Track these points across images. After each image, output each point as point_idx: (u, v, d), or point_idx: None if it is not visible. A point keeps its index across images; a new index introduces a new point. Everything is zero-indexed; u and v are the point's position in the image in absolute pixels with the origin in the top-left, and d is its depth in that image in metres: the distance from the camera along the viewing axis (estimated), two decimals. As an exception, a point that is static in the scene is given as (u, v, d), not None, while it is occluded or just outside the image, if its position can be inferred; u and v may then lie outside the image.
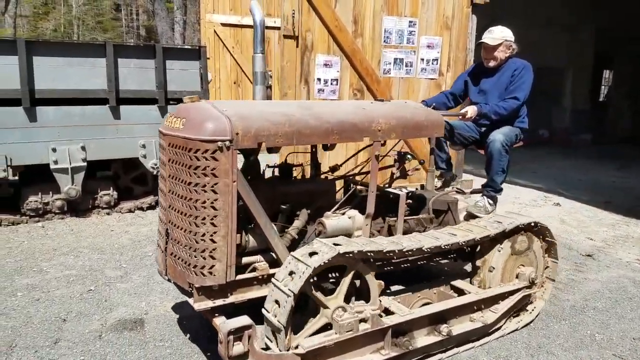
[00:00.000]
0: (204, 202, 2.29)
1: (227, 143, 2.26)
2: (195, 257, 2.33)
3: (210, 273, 2.34)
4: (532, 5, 10.81)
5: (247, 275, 2.53)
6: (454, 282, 3.06)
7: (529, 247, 3.10)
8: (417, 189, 3.71)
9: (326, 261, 2.24)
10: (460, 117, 3.66)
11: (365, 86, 5.63)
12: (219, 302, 2.43)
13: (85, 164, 5.06)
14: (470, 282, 3.06)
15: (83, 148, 5.06)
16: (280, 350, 2.20)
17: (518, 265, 3.07)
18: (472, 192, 3.94)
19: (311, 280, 2.28)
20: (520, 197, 6.69)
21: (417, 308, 2.76)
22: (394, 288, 3.24)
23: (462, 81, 3.97)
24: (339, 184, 3.34)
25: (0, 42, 4.86)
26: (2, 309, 3.17)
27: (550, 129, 12.60)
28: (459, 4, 5.87)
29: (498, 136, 3.52)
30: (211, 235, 2.31)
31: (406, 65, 5.78)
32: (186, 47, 5.85)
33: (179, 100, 4.84)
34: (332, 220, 2.79)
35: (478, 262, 3.02)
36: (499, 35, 3.65)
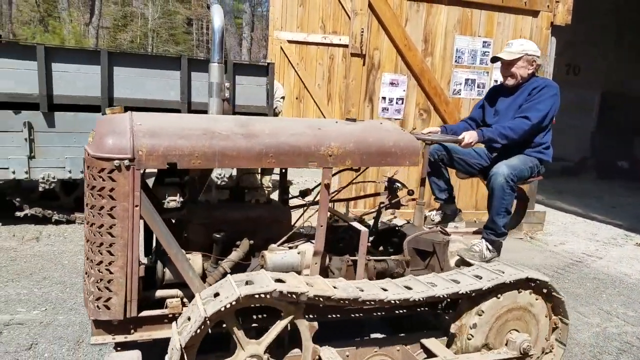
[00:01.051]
0: (101, 226, 2.07)
1: (127, 162, 2.04)
2: (92, 287, 2.12)
3: (106, 307, 2.12)
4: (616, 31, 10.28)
5: (152, 312, 2.27)
6: (425, 341, 2.56)
7: (524, 308, 2.60)
8: (406, 223, 3.25)
9: (222, 308, 1.96)
10: (457, 143, 3.17)
11: (432, 106, 5.56)
12: (120, 338, 2.22)
13: (155, 170, 5.32)
14: (448, 346, 2.58)
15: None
16: None
17: (509, 329, 2.59)
18: (474, 233, 3.37)
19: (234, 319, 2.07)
20: (598, 234, 6.29)
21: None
22: (374, 335, 2.86)
23: (480, 105, 3.56)
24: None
25: (85, 52, 5.28)
26: (72, 305, 3.37)
27: (631, 160, 11.81)
28: (538, 24, 5.69)
29: (502, 168, 3.00)
30: (107, 265, 2.09)
31: (478, 87, 5.66)
32: (256, 63, 6.08)
33: (245, 114, 5.00)
34: (277, 254, 2.48)
35: (453, 327, 2.54)
36: (518, 48, 3.21)
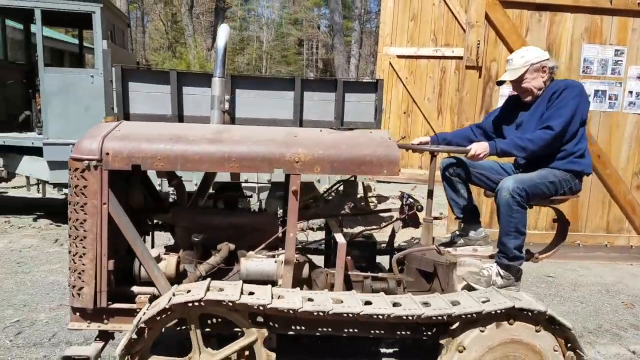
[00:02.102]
0: (76, 221, 2.32)
1: (95, 162, 2.28)
2: (70, 276, 2.38)
3: (79, 295, 2.35)
4: None
5: (122, 305, 2.44)
6: None
7: (525, 344, 2.23)
8: (411, 241, 3.09)
9: (147, 318, 2.05)
10: (465, 155, 2.86)
11: (555, 121, 5.22)
12: (94, 326, 2.43)
13: (269, 184, 5.70)
14: None
15: (268, 170, 5.72)
16: None
17: None
18: (490, 257, 2.98)
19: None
20: None
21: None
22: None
23: (494, 116, 3.21)
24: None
25: (210, 76, 5.82)
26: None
27: None
28: (685, 26, 5.09)
29: (507, 182, 2.71)
30: (80, 257, 2.33)
31: (609, 98, 5.19)
32: (364, 80, 6.23)
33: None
34: (252, 262, 2.51)
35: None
36: (519, 62, 2.92)
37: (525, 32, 5.10)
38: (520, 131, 2.97)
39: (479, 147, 2.76)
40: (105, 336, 2.53)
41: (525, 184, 2.71)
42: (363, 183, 6.82)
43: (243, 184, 5.59)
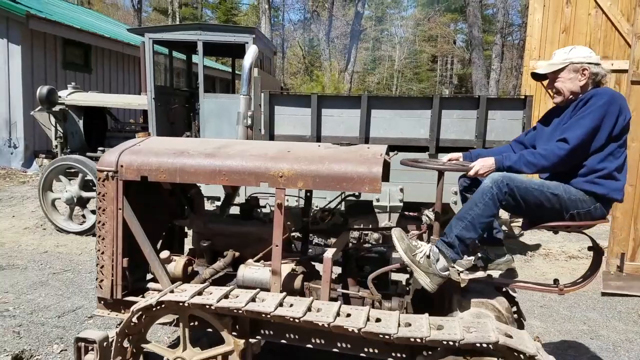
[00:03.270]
0: (99, 223, 2.69)
1: (112, 173, 2.63)
2: (96, 270, 2.74)
3: (100, 286, 2.71)
4: None
5: (134, 298, 2.72)
6: None
7: None
8: None
9: (141, 307, 2.33)
10: (466, 172, 2.60)
11: None
12: (113, 314, 2.77)
13: (401, 204, 5.72)
14: None
15: (401, 190, 5.74)
16: None
17: None
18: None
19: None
20: None
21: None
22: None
23: (532, 128, 2.91)
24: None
25: (348, 98, 6.10)
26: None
27: None
28: None
29: (495, 174, 2.44)
30: (101, 254, 2.69)
31: None
32: (511, 97, 5.96)
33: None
34: (250, 269, 2.70)
35: None
36: (561, 57, 2.60)
37: None
38: (544, 142, 2.66)
39: (482, 165, 2.55)
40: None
41: (516, 182, 2.42)
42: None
43: (375, 204, 5.71)
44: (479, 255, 2.71)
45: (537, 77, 2.83)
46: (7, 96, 10.46)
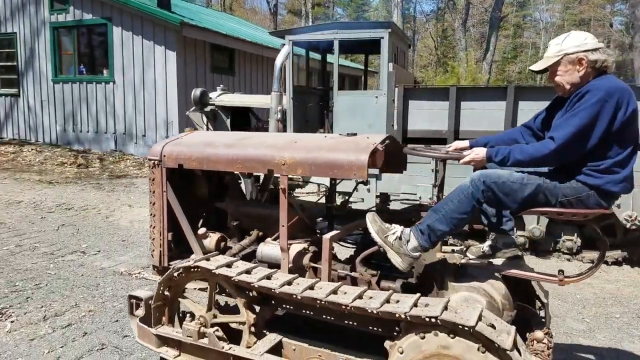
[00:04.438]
0: (150, 203, 3.18)
1: (156, 161, 3.08)
2: (150, 242, 3.22)
3: (152, 255, 3.21)
4: None
5: (173, 263, 3.03)
6: None
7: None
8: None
9: (180, 267, 2.70)
10: (458, 160, 2.62)
11: None
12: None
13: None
14: None
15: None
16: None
17: None
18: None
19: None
20: None
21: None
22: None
23: (542, 111, 2.79)
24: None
25: (491, 90, 5.82)
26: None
27: None
28: None
29: (475, 174, 2.53)
30: (153, 228, 3.17)
31: None
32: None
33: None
34: (267, 247, 2.98)
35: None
36: (553, 50, 2.52)
37: None
38: (550, 132, 2.57)
39: (474, 154, 2.58)
40: None
41: (494, 178, 2.47)
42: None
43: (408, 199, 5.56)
44: (488, 243, 2.80)
45: (538, 71, 2.73)
46: (165, 98, 11.83)
